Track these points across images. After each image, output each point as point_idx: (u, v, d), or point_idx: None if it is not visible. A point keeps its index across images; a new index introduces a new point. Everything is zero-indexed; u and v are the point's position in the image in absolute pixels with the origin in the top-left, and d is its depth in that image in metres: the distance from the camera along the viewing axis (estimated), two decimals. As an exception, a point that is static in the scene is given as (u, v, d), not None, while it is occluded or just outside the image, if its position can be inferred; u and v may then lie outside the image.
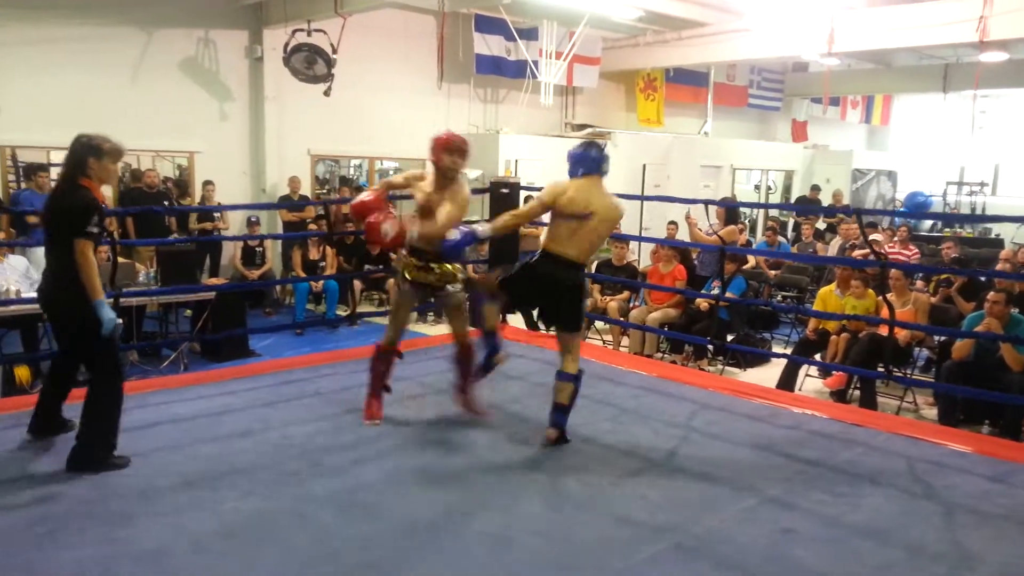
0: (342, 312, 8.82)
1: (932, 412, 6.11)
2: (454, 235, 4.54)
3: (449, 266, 4.80)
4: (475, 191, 9.23)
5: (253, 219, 9.44)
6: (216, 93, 10.09)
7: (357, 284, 8.78)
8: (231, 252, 9.63)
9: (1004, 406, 5.66)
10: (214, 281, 8.75)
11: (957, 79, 15.09)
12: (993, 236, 14.77)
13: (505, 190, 7.50)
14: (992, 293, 5.91)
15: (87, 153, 4.02)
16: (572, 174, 4.64)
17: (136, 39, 9.38)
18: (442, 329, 8.48)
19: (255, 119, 10.37)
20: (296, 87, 9.63)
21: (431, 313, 9.25)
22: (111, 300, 5.05)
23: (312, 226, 9.76)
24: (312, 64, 9.11)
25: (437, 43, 10.99)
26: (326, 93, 9.25)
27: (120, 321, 4.25)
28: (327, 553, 3.30)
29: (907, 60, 16.00)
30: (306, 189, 10.69)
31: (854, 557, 3.38)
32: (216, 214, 9.58)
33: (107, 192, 9.14)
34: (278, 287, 9.98)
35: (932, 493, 4.08)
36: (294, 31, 9.09)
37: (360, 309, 8.97)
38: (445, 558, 3.30)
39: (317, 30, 9.08)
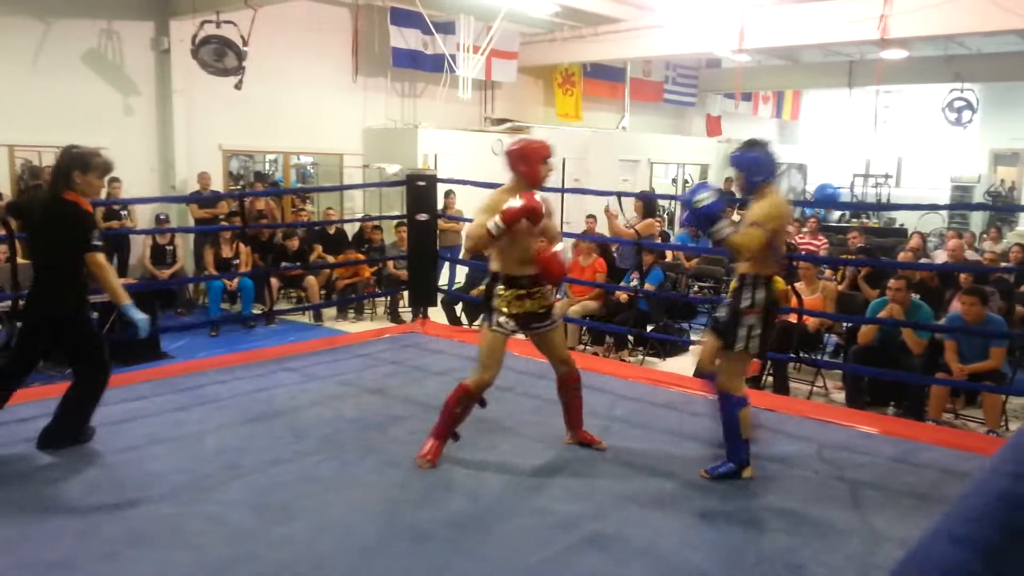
0: (259, 311, 8.61)
1: (841, 395, 6.33)
2: (707, 197, 3.83)
3: (549, 291, 4.28)
4: (392, 184, 9.18)
5: (162, 217, 9.11)
6: (121, 86, 9.70)
7: (274, 281, 8.58)
8: (140, 251, 9.29)
9: (907, 387, 5.90)
10: (121, 281, 8.42)
11: (861, 75, 15.67)
12: (897, 226, 15.42)
13: (421, 183, 7.45)
14: (893, 280, 6.16)
15: (73, 165, 4.00)
16: (752, 185, 3.95)
17: (34, 29, 8.94)
18: (363, 327, 8.38)
19: (163, 113, 10.02)
20: (206, 80, 9.35)
21: (351, 309, 9.12)
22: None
23: (224, 223, 9.49)
24: (222, 57, 8.85)
25: (352, 36, 10.84)
26: (237, 86, 9.01)
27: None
28: (242, 555, 3.23)
29: (814, 57, 16.54)
30: (218, 185, 10.40)
31: (767, 538, 3.48)
32: (123, 211, 9.22)
33: (5, 190, 8.71)
34: (191, 286, 9.68)
35: (841, 473, 4.22)
36: (202, 23, 8.81)
37: (277, 307, 8.78)
38: (363, 555, 3.25)
39: (226, 22, 8.82)
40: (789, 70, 17.16)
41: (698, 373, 4.47)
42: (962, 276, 7.09)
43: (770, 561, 3.27)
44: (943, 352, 5.86)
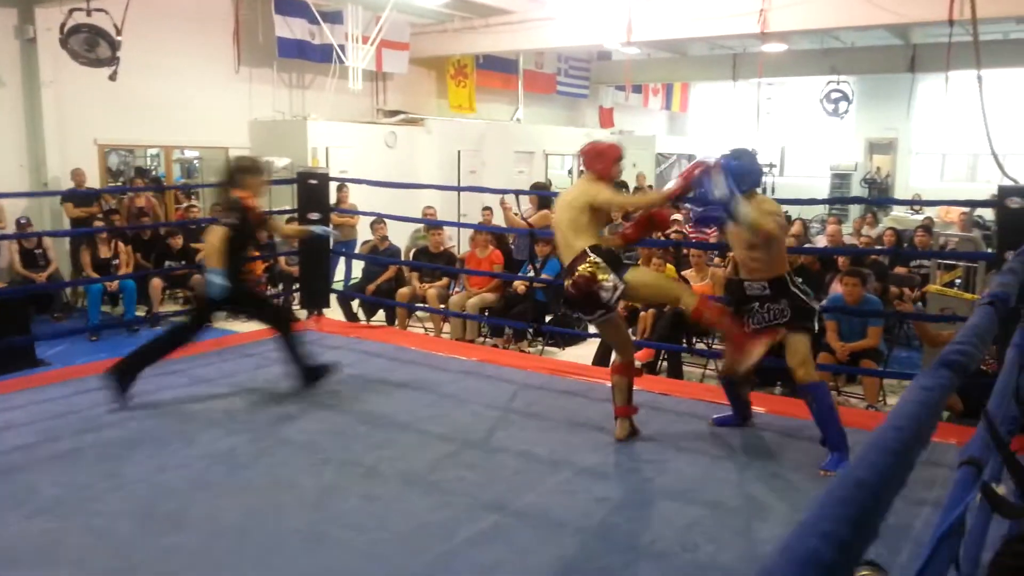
0: (142, 313, 8.23)
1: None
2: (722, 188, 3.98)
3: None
4: (281, 181, 8.93)
5: (23, 220, 8.49)
6: (-18, 77, 9.09)
7: (156, 282, 8.21)
8: (8, 256, 8.72)
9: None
10: (-10, 286, 7.89)
11: (744, 68, 16.24)
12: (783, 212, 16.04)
13: (313, 181, 7.26)
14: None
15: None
16: (740, 190, 4.03)
17: None
18: (254, 326, 8.13)
19: (31, 106, 9.42)
20: (77, 71, 8.84)
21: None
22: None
23: (100, 223, 9.00)
24: (94, 46, 8.38)
25: (233, 25, 10.47)
26: (111, 78, 8.55)
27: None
28: (125, 568, 3.08)
29: (700, 50, 17.04)
30: (96, 182, 9.87)
31: (661, 519, 3.55)
32: (-10, 212, 8.64)
33: None
34: (68, 289, 9.16)
35: (731, 453, 4.35)
36: (71, 10, 8.31)
37: (163, 309, 8.42)
38: (254, 561, 3.15)
39: (97, 9, 8.35)
40: (677, 63, 17.62)
41: (728, 379, 4.63)
42: (840, 260, 7.43)
43: (664, 540, 3.34)
44: (825, 332, 6.13)
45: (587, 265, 4.13)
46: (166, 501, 3.64)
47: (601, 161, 4.41)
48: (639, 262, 7.41)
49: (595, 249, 4.18)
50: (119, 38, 8.42)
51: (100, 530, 3.36)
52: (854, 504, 0.81)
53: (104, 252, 8.26)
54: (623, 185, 15.87)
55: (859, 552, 0.79)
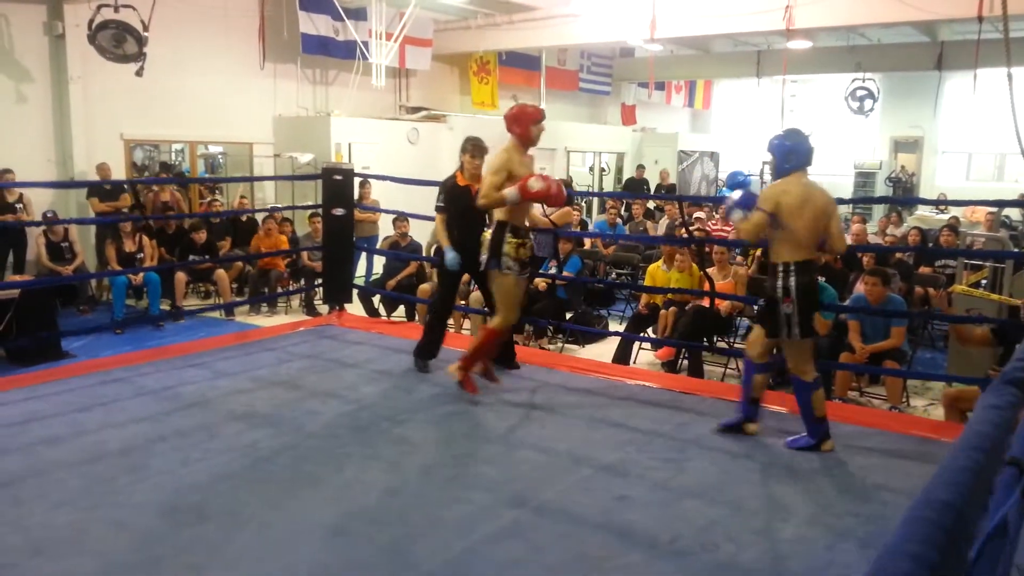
0: (166, 307, 8.31)
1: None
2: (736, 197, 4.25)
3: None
4: (306, 177, 8.98)
5: (49, 214, 8.58)
6: (12, 73, 9.19)
7: (181, 276, 8.29)
8: (35, 250, 8.82)
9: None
10: (17, 278, 8.00)
11: (768, 65, 16.10)
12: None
13: (338, 176, 7.29)
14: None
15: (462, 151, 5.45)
16: (780, 171, 4.21)
17: (-88, 12, 8.39)
18: (276, 321, 8.19)
19: (59, 101, 9.53)
20: (105, 67, 8.92)
21: (265, 305, 8.89)
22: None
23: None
24: (121, 42, 8.46)
25: (258, 21, 10.53)
26: (138, 73, 8.62)
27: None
28: (148, 559, 3.11)
29: (724, 47, 16.92)
30: (121, 176, 9.96)
31: (681, 517, 3.54)
32: (19, 206, 8.74)
33: None
34: (94, 283, 9.26)
35: (751, 452, 4.33)
36: (99, 7, 8.39)
37: (186, 303, 8.50)
38: (276, 553, 3.17)
39: (125, 6, 8.43)
40: (700, 60, 17.50)
41: (748, 365, 4.62)
42: (865, 259, 7.36)
43: (684, 539, 3.33)
44: (848, 332, 6.07)
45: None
46: (189, 494, 3.68)
47: (518, 125, 4.80)
48: (662, 260, 7.39)
49: (502, 226, 4.86)
50: (146, 34, 8.49)
51: (123, 522, 3.40)
52: (939, 527, 0.80)
53: (129, 246, 8.34)
54: (644, 183, 15.87)
55: None
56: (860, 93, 15.33)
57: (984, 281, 7.68)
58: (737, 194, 4.29)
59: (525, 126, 4.83)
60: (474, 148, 5.41)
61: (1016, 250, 8.20)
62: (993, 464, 1.03)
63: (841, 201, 6.14)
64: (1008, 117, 5.69)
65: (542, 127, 4.89)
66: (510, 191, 4.67)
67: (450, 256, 5.35)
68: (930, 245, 9.26)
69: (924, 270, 8.49)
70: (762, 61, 16.26)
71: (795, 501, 3.72)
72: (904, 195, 18.55)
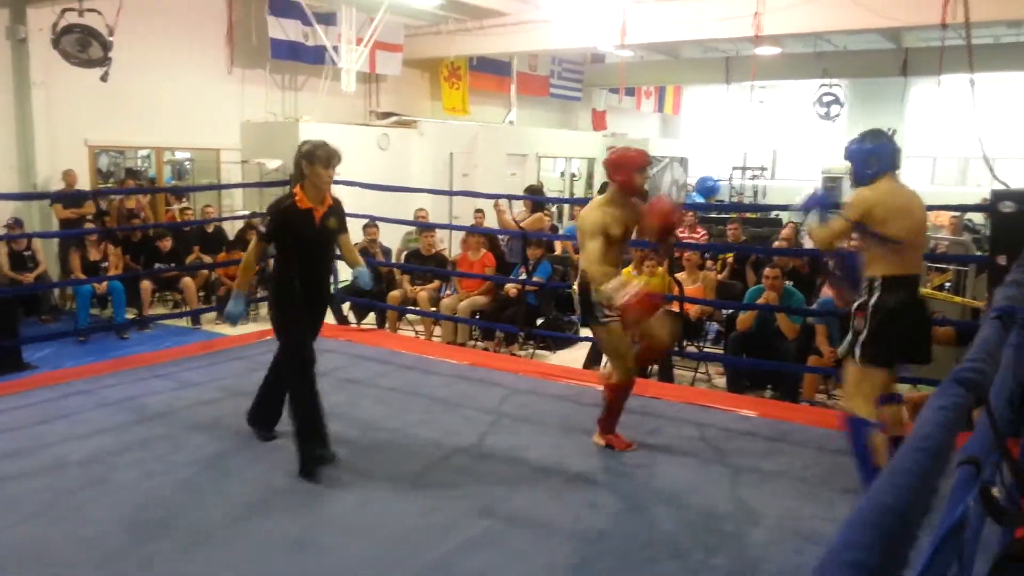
0: (131, 316, 8.17)
1: (723, 380, 6.53)
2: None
3: None
4: (273, 183, 8.88)
5: (10, 221, 8.40)
6: (-28, 78, 9.02)
7: (146, 284, 8.16)
8: (-2, 257, 8.64)
9: (783, 371, 6.14)
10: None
11: (737, 71, 16.24)
12: (773, 216, 16.08)
13: (306, 181, 7.20)
14: (768, 268, 6.39)
15: (301, 158, 4.07)
16: (862, 177, 3.76)
17: None
18: (244, 329, 8.09)
19: (21, 107, 9.35)
20: (69, 72, 8.77)
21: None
22: None
23: (91, 224, 8.93)
24: (86, 47, 8.32)
25: (226, 26, 10.43)
26: (103, 79, 8.49)
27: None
28: (112, 575, 3.04)
29: (693, 53, 17.04)
30: (85, 183, 9.79)
31: (652, 524, 3.54)
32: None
33: None
34: (57, 292, 9.09)
35: (721, 457, 4.34)
36: (63, 11, 8.26)
37: (153, 312, 8.37)
38: (242, 567, 3.12)
39: (90, 10, 8.30)
40: (670, 66, 17.62)
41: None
42: (831, 263, 7.41)
43: (655, 546, 3.33)
44: (815, 336, 6.12)
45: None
46: (153, 507, 3.61)
47: (620, 172, 4.23)
48: (632, 265, 7.40)
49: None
50: (111, 39, 8.37)
51: (86, 537, 3.33)
52: (881, 531, 0.79)
53: (94, 254, 8.20)
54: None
55: None
56: (827, 99, 15.53)
57: (948, 284, 7.80)
58: (817, 190, 4.06)
59: (628, 173, 4.22)
60: (328, 156, 4.03)
61: (979, 253, 8.31)
62: (938, 466, 1.02)
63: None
64: (971, 122, 5.78)
65: (647, 175, 4.33)
66: (612, 288, 3.99)
67: (231, 307, 4.26)
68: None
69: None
70: (731, 67, 16.40)
71: (764, 505, 3.73)
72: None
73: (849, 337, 3.75)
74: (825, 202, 3.89)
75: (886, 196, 3.64)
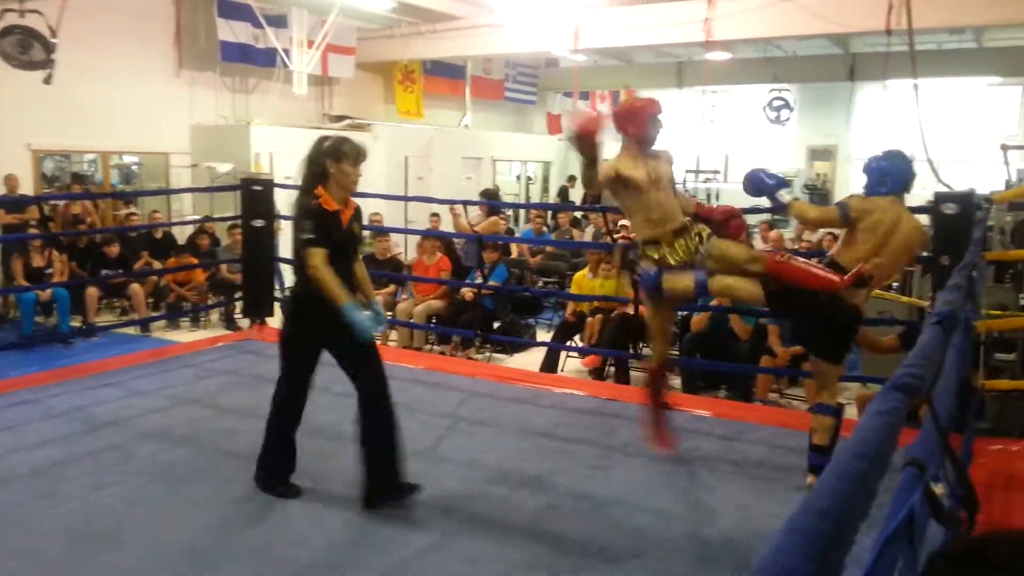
0: (77, 324, 7.98)
1: (678, 381, 6.59)
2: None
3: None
4: (224, 188, 8.74)
5: None
6: (-93, 79, 8.72)
7: (92, 291, 7.97)
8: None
9: (736, 372, 6.22)
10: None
11: (689, 76, 16.46)
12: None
13: (258, 187, 7.13)
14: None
15: (324, 156, 3.56)
16: (875, 192, 3.89)
17: None
18: (195, 336, 7.94)
19: (-40, 110, 9.10)
20: (10, 74, 8.54)
21: (186, 319, 8.62)
22: None
23: (34, 230, 8.70)
24: (27, 48, 8.11)
25: (174, 28, 10.25)
26: (46, 81, 8.29)
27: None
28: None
29: (646, 58, 17.21)
30: (29, 188, 9.55)
31: (610, 525, 3.55)
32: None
33: None
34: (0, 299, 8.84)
35: (676, 457, 4.37)
36: (3, 11, 8.05)
37: (100, 319, 8.18)
38: (195, 580, 3.06)
39: (31, 11, 8.10)
40: (623, 70, 17.76)
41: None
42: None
43: (613, 547, 3.34)
44: (768, 336, 6.22)
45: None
46: (102, 520, 3.52)
47: (632, 123, 3.91)
48: (588, 268, 7.44)
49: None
50: (54, 40, 8.18)
51: (32, 552, 3.23)
52: (817, 536, 0.80)
53: (37, 261, 7.98)
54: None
55: None
56: (777, 103, 15.80)
57: (896, 284, 7.97)
58: (760, 175, 4.13)
59: (641, 123, 3.90)
60: (357, 152, 3.63)
61: (924, 254, 8.53)
62: (875, 471, 1.04)
63: (760, 210, 6.32)
64: (915, 126, 5.93)
65: (661, 123, 3.97)
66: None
67: (361, 318, 3.53)
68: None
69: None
70: (683, 72, 16.62)
71: (719, 504, 3.77)
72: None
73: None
74: (780, 181, 4.11)
75: (881, 213, 3.82)
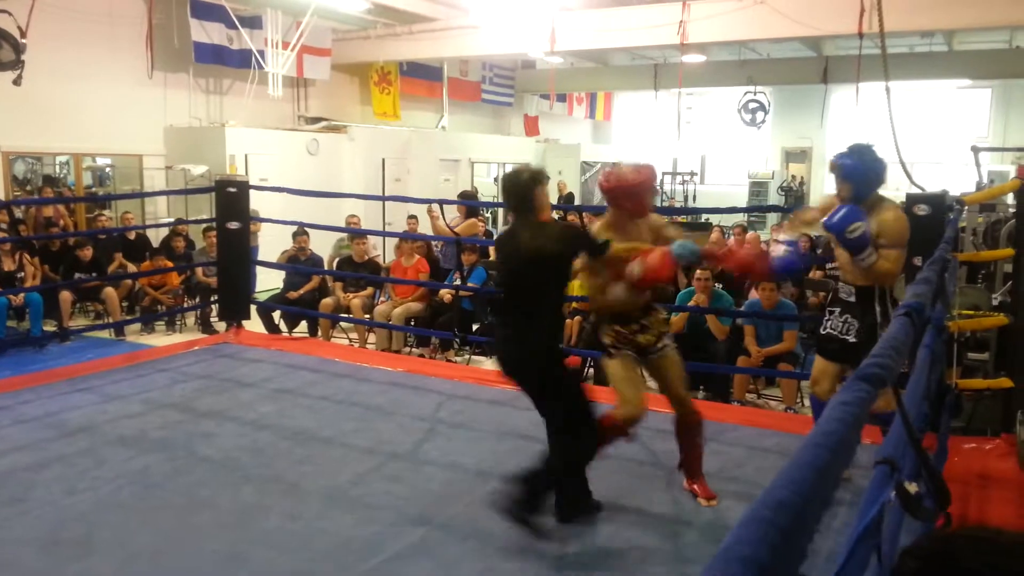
0: (50, 328, 7.86)
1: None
2: (779, 251, 3.78)
3: (662, 315, 3.89)
4: (199, 190, 8.67)
5: None
6: None
7: (66, 295, 7.85)
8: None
9: (713, 373, 6.25)
10: None
11: (665, 78, 16.54)
12: (703, 220, 16.41)
13: (233, 189, 7.07)
14: (698, 271, 6.50)
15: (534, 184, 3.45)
16: (864, 194, 3.73)
17: None
18: (170, 340, 7.85)
19: (-72, 112, 8.95)
20: (-22, 75, 8.42)
21: (161, 323, 8.52)
22: None
23: (3, 233, 8.56)
24: (-4, 49, 7.99)
25: (146, 29, 10.14)
26: (16, 82, 8.15)
27: None
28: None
29: (622, 60, 17.29)
30: (0, 191, 9.41)
31: (588, 528, 3.55)
32: None
33: None
34: (-30, 304, 8.68)
35: (655, 459, 4.39)
36: (-28, 11, 7.93)
37: (73, 323, 8.06)
38: (170, 588, 3.02)
39: (0, 11, 7.98)
40: (600, 72, 17.84)
41: (812, 400, 4.19)
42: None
43: (591, 551, 3.34)
44: (744, 337, 6.25)
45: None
46: (75, 525, 3.47)
47: (632, 201, 3.62)
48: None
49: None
50: (24, 40, 8.05)
51: (2, 559, 3.18)
52: (774, 526, 0.80)
53: (8, 264, 7.85)
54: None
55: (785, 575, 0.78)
56: (752, 105, 15.94)
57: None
58: (789, 250, 3.78)
59: (640, 198, 3.64)
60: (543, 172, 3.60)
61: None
62: (838, 461, 1.04)
63: (735, 210, 6.28)
64: (888, 128, 6.00)
65: (656, 191, 3.86)
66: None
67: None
68: (819, 251, 9.65)
69: (815, 274, 8.83)
70: (659, 74, 16.70)
71: (697, 505, 3.79)
72: (795, 203, 19.33)
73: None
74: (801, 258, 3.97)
75: (902, 216, 3.77)
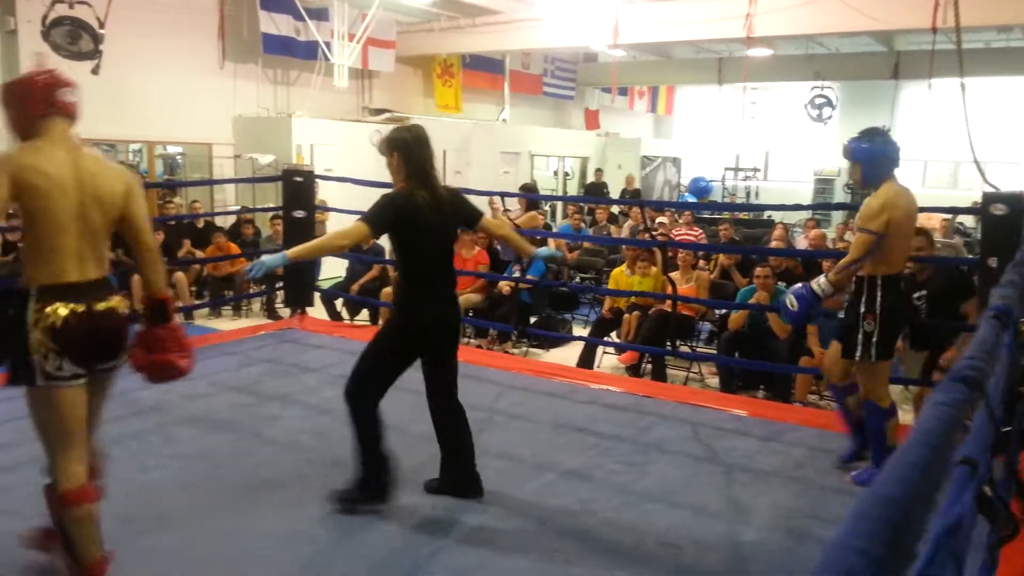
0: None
1: (716, 380, 6.55)
2: (793, 302, 3.93)
3: None
4: (266, 179, 8.86)
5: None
6: (-38, 69, 8.96)
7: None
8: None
9: (774, 372, 6.16)
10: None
11: (730, 72, 16.30)
12: (766, 217, 16.14)
13: (299, 178, 7.21)
14: (759, 268, 6.41)
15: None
16: (871, 178, 3.83)
17: None
18: (237, 324, 8.07)
19: (12, 100, 9.30)
20: (59, 64, 8.65)
21: (228, 308, 8.75)
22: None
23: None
24: (76, 39, 8.28)
25: (218, 20, 10.38)
26: (94, 71, 8.45)
27: None
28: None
29: (686, 53, 17.09)
30: (77, 177, 9.75)
31: (645, 521, 3.55)
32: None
33: None
34: None
35: (713, 456, 4.36)
36: (53, 2, 8.22)
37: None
38: (234, 561, 3.12)
39: (80, 2, 8.26)
40: (662, 66, 17.66)
41: (829, 386, 4.41)
42: (824, 263, 7.45)
43: (647, 543, 3.34)
44: (807, 336, 6.14)
45: None
46: (147, 501, 3.60)
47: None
48: (625, 264, 7.42)
49: None
50: (102, 31, 8.34)
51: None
52: (885, 521, 0.81)
53: (84, 248, 8.16)
54: (603, 186, 15.92)
55: (895, 571, 0.78)
56: (819, 101, 15.60)
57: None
58: (800, 293, 3.94)
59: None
60: None
61: (969, 256, 8.38)
62: (940, 460, 1.04)
63: (800, 207, 6.17)
64: (962, 126, 5.82)
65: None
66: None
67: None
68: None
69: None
70: (723, 68, 16.46)
71: (756, 504, 3.75)
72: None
73: (859, 338, 3.82)
74: (812, 302, 3.94)
75: (898, 199, 3.75)
